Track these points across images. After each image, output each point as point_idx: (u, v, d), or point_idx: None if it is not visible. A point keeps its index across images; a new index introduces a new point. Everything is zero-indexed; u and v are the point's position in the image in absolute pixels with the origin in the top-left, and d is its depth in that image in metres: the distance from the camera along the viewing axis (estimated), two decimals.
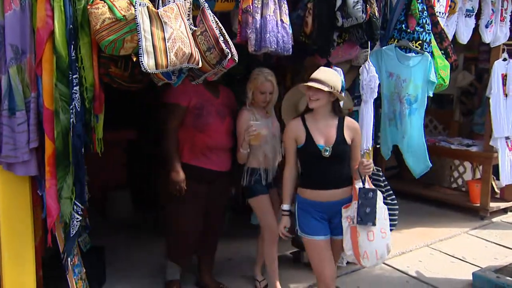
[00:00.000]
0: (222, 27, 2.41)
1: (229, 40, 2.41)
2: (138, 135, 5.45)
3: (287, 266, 3.96)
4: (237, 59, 2.46)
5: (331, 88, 2.55)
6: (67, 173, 2.34)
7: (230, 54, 2.33)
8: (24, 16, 2.23)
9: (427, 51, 3.32)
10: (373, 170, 3.42)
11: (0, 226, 2.41)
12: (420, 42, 3.32)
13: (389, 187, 3.47)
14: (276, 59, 4.34)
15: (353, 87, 3.64)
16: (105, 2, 2.16)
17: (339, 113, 2.71)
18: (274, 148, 3.24)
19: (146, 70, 2.10)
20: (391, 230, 2.84)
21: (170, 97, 3.07)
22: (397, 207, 3.43)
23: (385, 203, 3.27)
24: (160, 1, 2.30)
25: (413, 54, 3.32)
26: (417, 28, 3.33)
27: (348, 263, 3.87)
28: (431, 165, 3.54)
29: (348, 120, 2.72)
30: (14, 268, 2.45)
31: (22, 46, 2.25)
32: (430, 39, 3.35)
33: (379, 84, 3.31)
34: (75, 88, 2.24)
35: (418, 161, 3.52)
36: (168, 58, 2.12)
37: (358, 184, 2.67)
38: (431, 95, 3.40)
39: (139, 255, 4.19)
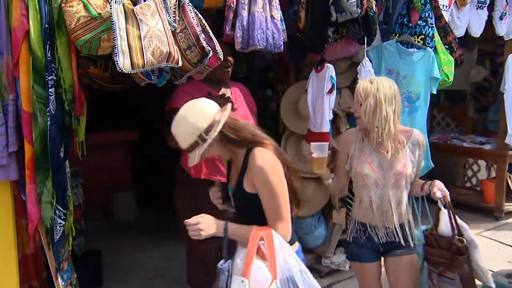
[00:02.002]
0: (206, 24, 2.31)
1: (213, 37, 2.31)
2: (141, 136, 5.41)
3: None
4: (222, 57, 2.35)
5: (200, 143, 1.80)
6: (47, 177, 2.26)
7: (211, 52, 2.21)
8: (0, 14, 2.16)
9: (430, 46, 3.17)
10: None
11: None
12: (423, 36, 3.17)
13: None
14: (278, 56, 4.23)
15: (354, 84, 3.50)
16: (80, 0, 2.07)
17: (244, 145, 1.87)
18: (385, 198, 2.34)
19: (122, 70, 2.00)
20: None
21: (173, 103, 2.67)
22: None
23: None
24: None
25: (415, 50, 3.16)
26: (419, 22, 3.17)
27: (351, 266, 3.74)
28: (433, 165, 3.38)
29: (254, 157, 1.82)
30: None
31: None
32: (433, 33, 3.19)
33: None
34: (50, 90, 2.15)
35: None
36: (145, 57, 2.02)
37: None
38: (435, 92, 3.24)
39: (139, 258, 4.14)
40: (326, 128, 3.04)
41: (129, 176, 5.47)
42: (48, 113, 2.20)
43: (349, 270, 3.72)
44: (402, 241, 2.36)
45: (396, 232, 2.35)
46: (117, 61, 1.99)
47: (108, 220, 5.17)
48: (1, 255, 2.40)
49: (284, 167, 1.88)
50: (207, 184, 2.68)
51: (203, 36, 2.20)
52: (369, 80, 2.28)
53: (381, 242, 2.37)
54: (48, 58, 2.15)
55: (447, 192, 2.28)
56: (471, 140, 5.44)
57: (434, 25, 3.22)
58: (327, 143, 2.42)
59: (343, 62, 3.37)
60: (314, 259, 3.79)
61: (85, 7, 2.05)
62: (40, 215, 2.32)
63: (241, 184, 1.87)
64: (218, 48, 2.31)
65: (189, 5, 2.23)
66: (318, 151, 2.37)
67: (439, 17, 3.36)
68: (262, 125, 4.75)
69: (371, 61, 3.05)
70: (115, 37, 2.01)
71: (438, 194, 2.26)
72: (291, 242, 1.88)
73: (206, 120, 1.80)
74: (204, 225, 1.77)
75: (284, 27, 2.75)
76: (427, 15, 3.18)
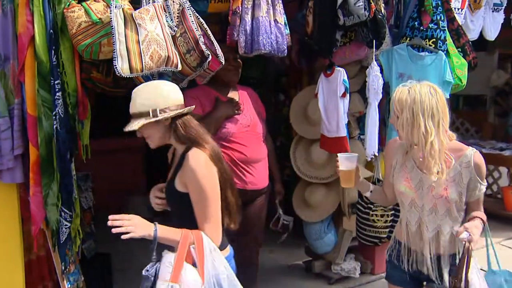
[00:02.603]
0: (208, 28, 2.31)
1: (214, 41, 2.31)
2: None
3: (298, 276, 3.83)
4: (223, 61, 2.34)
5: (150, 115, 1.81)
6: (52, 180, 2.30)
7: (210, 55, 2.21)
8: (6, 21, 2.20)
9: (442, 49, 3.10)
10: None
11: None
12: (434, 40, 3.10)
13: None
14: (290, 61, 4.21)
15: (364, 89, 3.45)
16: (81, 5, 2.11)
17: (185, 143, 1.89)
18: (422, 223, 2.06)
19: (120, 74, 2.02)
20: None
21: None
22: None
23: None
24: (144, 2, 2.23)
25: (427, 53, 3.10)
26: (430, 25, 3.10)
27: (361, 273, 3.68)
28: None
29: (188, 157, 1.83)
30: (2, 276, 2.43)
31: (5, 52, 2.22)
32: (444, 37, 3.12)
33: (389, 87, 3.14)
34: (57, 94, 2.19)
35: None
36: (143, 61, 2.03)
37: None
38: (448, 97, 3.15)
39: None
40: (343, 132, 3.01)
41: (143, 180, 5.52)
42: (55, 117, 2.24)
43: (359, 277, 3.66)
44: (437, 277, 2.04)
45: (431, 264, 2.04)
46: (115, 65, 2.01)
47: None
48: (7, 256, 2.43)
49: (220, 175, 1.88)
50: None
51: (203, 40, 2.20)
52: (407, 88, 1.96)
53: (412, 268, 2.10)
54: (54, 63, 2.19)
55: (475, 238, 1.84)
56: (491, 145, 5.31)
57: (446, 28, 3.15)
58: (356, 154, 2.19)
59: (353, 66, 3.33)
60: (324, 266, 3.75)
61: (86, 12, 2.09)
62: (45, 217, 2.36)
63: (173, 182, 1.88)
64: (219, 52, 2.31)
65: (189, 9, 2.23)
66: (346, 163, 2.14)
67: (451, 20, 3.28)
68: (275, 130, 4.78)
69: (379, 65, 3.00)
70: (114, 42, 2.03)
71: (463, 236, 1.84)
72: (221, 247, 1.87)
73: (170, 102, 1.84)
74: (134, 221, 1.70)
75: (288, 31, 2.73)
76: (438, 18, 3.12)
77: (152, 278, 1.71)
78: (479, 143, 5.47)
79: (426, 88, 1.94)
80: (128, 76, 2.04)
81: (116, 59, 2.02)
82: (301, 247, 3.94)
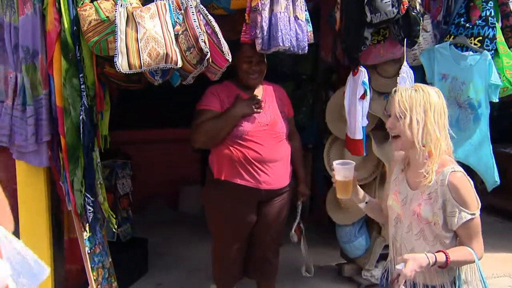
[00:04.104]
0: (216, 26, 2.32)
1: (221, 38, 2.31)
2: None
3: (329, 278, 3.74)
4: (230, 58, 2.34)
5: None
6: (77, 167, 2.46)
7: (209, 53, 2.22)
8: (36, 19, 2.40)
9: (489, 48, 2.83)
10: None
11: (19, 215, 2.62)
12: (480, 38, 2.84)
13: None
14: (336, 58, 4.09)
15: None
16: (92, 4, 2.23)
17: None
18: (402, 239, 1.89)
19: (120, 70, 2.12)
20: None
21: (201, 104, 2.78)
22: None
23: None
24: None
25: (471, 53, 2.85)
26: (478, 22, 2.85)
27: None
28: (499, 182, 3.03)
29: None
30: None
31: (34, 47, 2.43)
32: (493, 34, 2.84)
33: None
34: (82, 86, 2.35)
35: (487, 172, 3.03)
36: (141, 58, 2.10)
37: None
38: (495, 100, 2.87)
39: (189, 250, 4.31)
40: (359, 135, 2.89)
41: (197, 170, 5.68)
42: (81, 108, 2.41)
43: None
44: None
45: None
46: (116, 61, 2.11)
47: (174, 212, 5.45)
48: (36, 236, 2.65)
49: None
50: (228, 185, 2.74)
51: (203, 38, 2.21)
52: (411, 87, 1.82)
53: None
54: (78, 58, 2.35)
55: (406, 272, 1.63)
56: None
57: (495, 25, 2.86)
58: (353, 163, 2.02)
59: (390, 65, 3.14)
60: (355, 270, 3.62)
61: (96, 11, 2.21)
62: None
63: None
64: (225, 49, 2.32)
65: (191, 7, 2.26)
66: (343, 173, 1.97)
67: (506, 15, 2.99)
68: (325, 127, 4.67)
69: (411, 67, 2.81)
70: (116, 39, 2.13)
71: (397, 266, 1.68)
72: None
73: None
74: None
75: (311, 28, 2.66)
76: (488, 13, 2.85)
77: None
78: None
79: (432, 89, 1.82)
80: (127, 72, 2.13)
81: (117, 55, 2.12)
82: (333, 249, 3.84)
